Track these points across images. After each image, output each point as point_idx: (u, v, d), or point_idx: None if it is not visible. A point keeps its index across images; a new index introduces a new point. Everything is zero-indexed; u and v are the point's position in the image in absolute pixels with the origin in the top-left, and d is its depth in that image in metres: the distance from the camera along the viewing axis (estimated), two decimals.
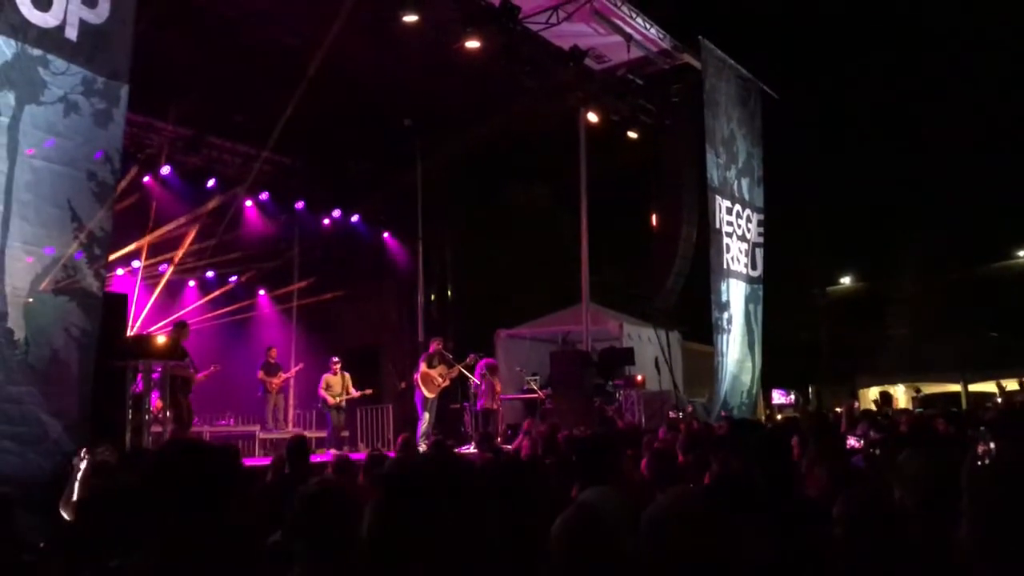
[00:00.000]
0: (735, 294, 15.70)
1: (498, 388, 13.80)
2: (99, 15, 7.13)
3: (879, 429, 8.63)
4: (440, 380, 13.17)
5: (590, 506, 3.44)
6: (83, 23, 7.00)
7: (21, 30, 6.56)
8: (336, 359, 14.08)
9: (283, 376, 14.45)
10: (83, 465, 5.48)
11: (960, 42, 19.62)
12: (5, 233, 6.48)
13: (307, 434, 14.34)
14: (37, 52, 6.66)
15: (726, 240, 15.51)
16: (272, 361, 14.40)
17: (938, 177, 24.22)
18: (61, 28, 6.83)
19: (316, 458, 9.87)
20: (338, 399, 13.73)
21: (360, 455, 10.48)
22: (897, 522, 3.19)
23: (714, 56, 15.16)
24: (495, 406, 13.64)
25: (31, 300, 6.63)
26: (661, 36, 14.23)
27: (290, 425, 14.69)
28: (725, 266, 15.40)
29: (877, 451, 7.45)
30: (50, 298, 6.80)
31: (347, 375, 14.01)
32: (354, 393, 13.97)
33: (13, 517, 4.23)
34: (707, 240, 15.24)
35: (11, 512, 4.20)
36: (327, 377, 13.83)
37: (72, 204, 6.99)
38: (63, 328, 6.88)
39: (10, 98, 6.49)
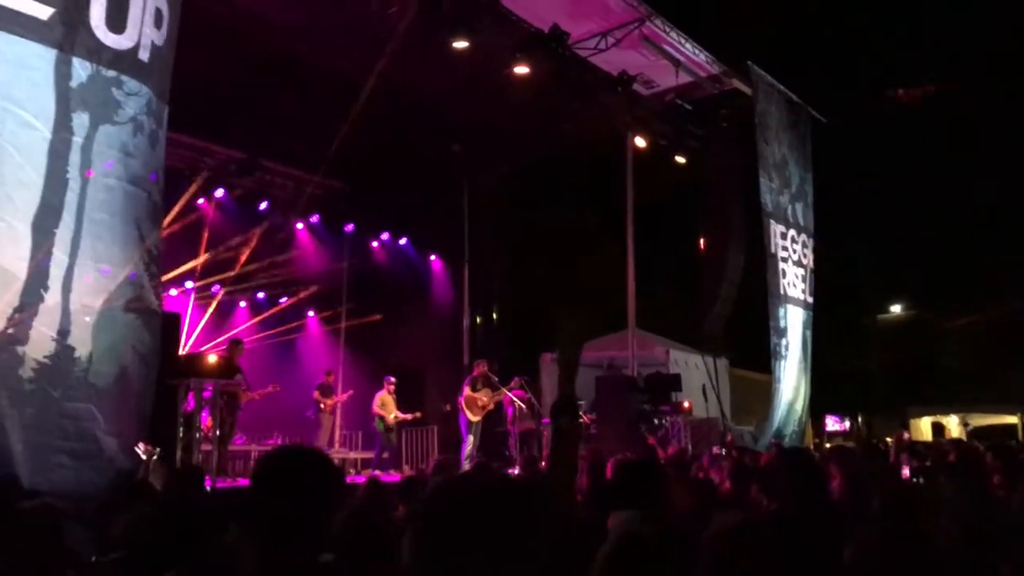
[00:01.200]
0: (792, 320, 15.52)
1: (524, 409, 13.66)
2: (162, 37, 7.30)
3: (920, 459, 8.46)
4: (484, 403, 13.21)
5: (632, 534, 3.42)
6: (153, 45, 7.17)
7: (96, 52, 6.72)
8: (392, 378, 13.98)
9: (335, 399, 14.55)
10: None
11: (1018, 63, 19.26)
12: (75, 251, 6.59)
13: (352, 455, 14.48)
14: (111, 73, 6.80)
15: (782, 265, 15.37)
16: (329, 383, 14.54)
17: (994, 204, 23.72)
18: (135, 50, 6.99)
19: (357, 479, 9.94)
20: (393, 418, 13.71)
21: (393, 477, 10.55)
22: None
23: (764, 81, 15.10)
24: (535, 426, 13.52)
25: (91, 318, 6.74)
26: (710, 61, 14.22)
27: (336, 446, 14.78)
28: (782, 291, 15.25)
29: (921, 479, 7.32)
30: (121, 315, 6.89)
31: (395, 396, 13.98)
32: (403, 415, 13.96)
33: (62, 529, 4.31)
34: (761, 265, 15.13)
35: (60, 523, 4.28)
36: (381, 396, 13.74)
37: (139, 222, 7.12)
38: (131, 346, 6.98)
39: (84, 119, 6.64)
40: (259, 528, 2.06)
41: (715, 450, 12.89)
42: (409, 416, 14.02)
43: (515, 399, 13.56)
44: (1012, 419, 24.18)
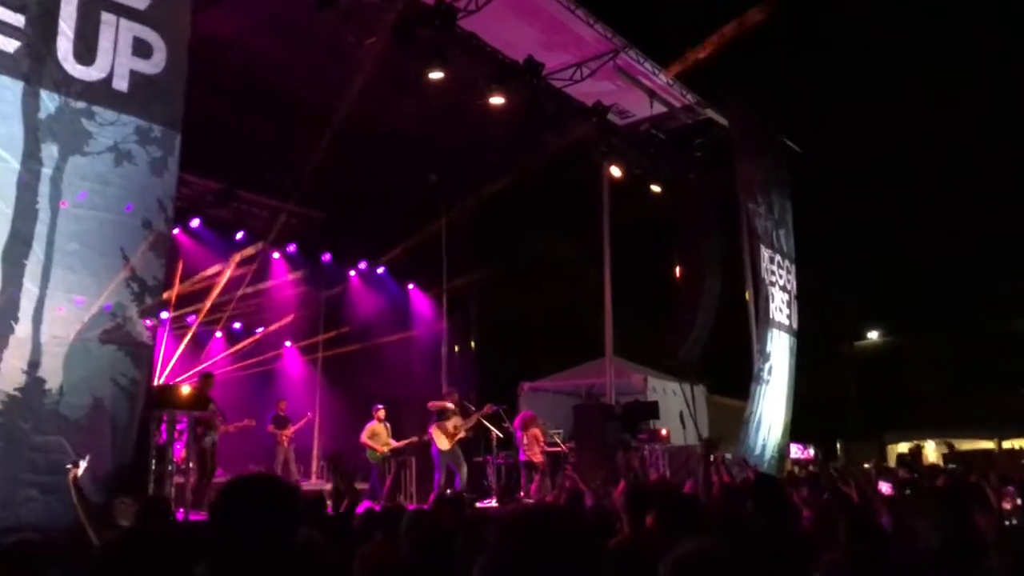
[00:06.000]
0: (778, 345, 15.62)
1: (540, 440, 13.30)
2: (155, 65, 7.34)
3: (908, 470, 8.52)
4: (452, 432, 12.89)
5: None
6: (135, 74, 7.19)
7: (64, 84, 6.76)
8: (380, 406, 13.41)
9: (292, 428, 14.30)
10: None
11: (998, 101, 19.68)
12: (45, 283, 6.57)
13: (329, 487, 14.24)
14: (81, 104, 6.84)
15: (771, 290, 15.50)
16: (282, 414, 14.29)
17: (969, 231, 24.08)
18: (108, 80, 7.02)
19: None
20: (385, 448, 13.20)
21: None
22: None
23: (739, 110, 15.29)
24: (537, 459, 13.09)
25: (63, 350, 6.69)
26: (684, 92, 14.39)
27: (295, 477, 14.37)
28: (771, 316, 15.36)
29: (908, 491, 7.40)
30: (96, 347, 6.86)
31: (388, 425, 13.44)
32: (396, 443, 13.35)
33: (39, 562, 4.26)
34: (738, 292, 15.29)
35: (36, 557, 4.24)
36: (372, 426, 13.23)
37: (125, 252, 7.06)
38: (109, 377, 6.92)
39: (53, 150, 6.65)
40: (218, 561, 2.06)
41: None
42: (403, 444, 13.43)
43: (491, 427, 13.41)
44: (988, 444, 24.35)
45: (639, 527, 4.44)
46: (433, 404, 12.91)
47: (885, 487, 7.44)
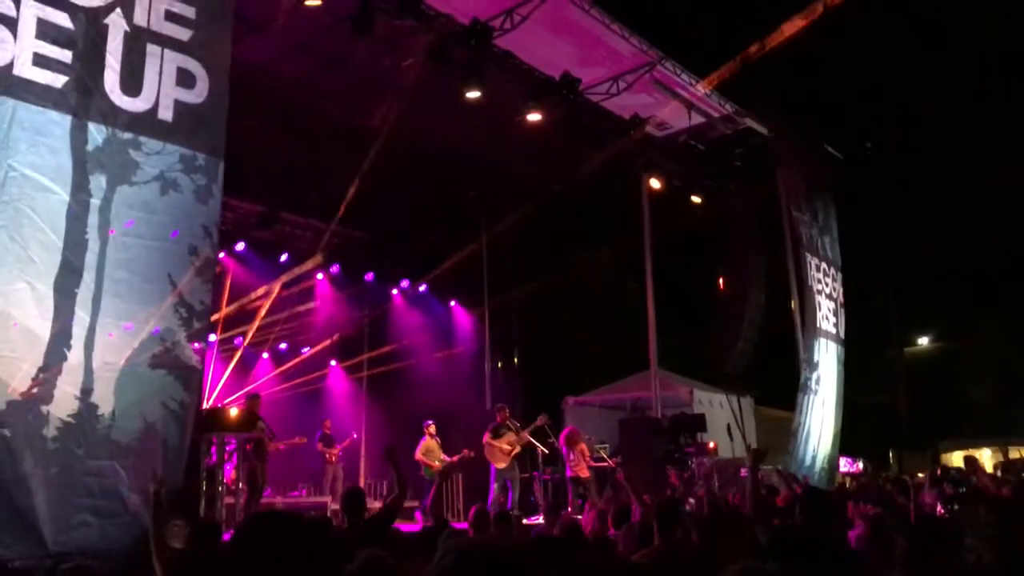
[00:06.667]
0: (825, 355, 15.44)
1: (587, 455, 13.11)
2: (198, 95, 7.48)
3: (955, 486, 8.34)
4: (508, 449, 12.90)
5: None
6: (179, 103, 7.34)
7: (111, 116, 6.92)
8: (430, 422, 13.49)
9: (338, 447, 14.42)
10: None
11: None
12: (96, 310, 6.72)
13: (377, 504, 14.33)
14: (128, 136, 6.99)
15: (817, 298, 15.34)
16: (328, 432, 14.42)
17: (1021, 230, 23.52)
18: (153, 111, 7.17)
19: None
20: (439, 463, 13.28)
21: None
22: None
23: (778, 119, 15.17)
24: (584, 474, 12.87)
25: (113, 375, 6.82)
26: (722, 101, 14.30)
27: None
28: (818, 325, 15.19)
29: (956, 506, 7.25)
30: (146, 371, 6.98)
31: (439, 439, 13.52)
32: (448, 458, 13.47)
33: None
34: (782, 302, 15.12)
35: None
36: (425, 442, 13.31)
37: (172, 278, 7.18)
38: (160, 402, 7.04)
39: (101, 181, 6.80)
40: None
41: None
42: (456, 458, 13.53)
43: (536, 443, 13.34)
44: None
45: (669, 539, 4.44)
46: (488, 440, 12.91)
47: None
